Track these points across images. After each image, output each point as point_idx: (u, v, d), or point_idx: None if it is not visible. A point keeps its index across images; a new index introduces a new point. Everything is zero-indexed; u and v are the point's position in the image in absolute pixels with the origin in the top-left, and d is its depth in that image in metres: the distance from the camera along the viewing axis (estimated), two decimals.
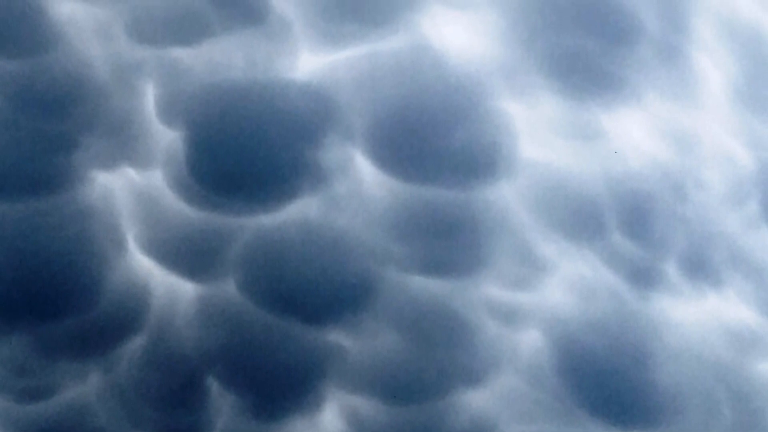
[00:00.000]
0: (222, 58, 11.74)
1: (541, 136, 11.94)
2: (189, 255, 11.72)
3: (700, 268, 12.05)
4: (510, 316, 11.80)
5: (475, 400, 11.72)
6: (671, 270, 11.96)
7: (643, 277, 11.91)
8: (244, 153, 11.60)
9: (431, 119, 11.76)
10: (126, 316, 11.68)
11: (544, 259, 11.85)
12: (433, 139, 11.74)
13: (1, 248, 11.50)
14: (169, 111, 11.74)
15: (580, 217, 11.90)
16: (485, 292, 11.75)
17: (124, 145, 11.73)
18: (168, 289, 11.77)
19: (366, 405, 11.71)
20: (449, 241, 11.73)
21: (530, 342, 11.83)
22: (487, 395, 11.73)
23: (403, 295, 11.71)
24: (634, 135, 12.09)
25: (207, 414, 11.66)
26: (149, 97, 11.76)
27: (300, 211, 11.72)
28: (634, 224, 11.94)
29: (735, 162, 12.29)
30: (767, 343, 12.01)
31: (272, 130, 11.65)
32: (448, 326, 11.71)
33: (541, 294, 11.84)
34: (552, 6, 11.97)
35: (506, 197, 11.81)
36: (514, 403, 11.74)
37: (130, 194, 11.77)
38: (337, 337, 11.71)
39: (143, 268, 11.76)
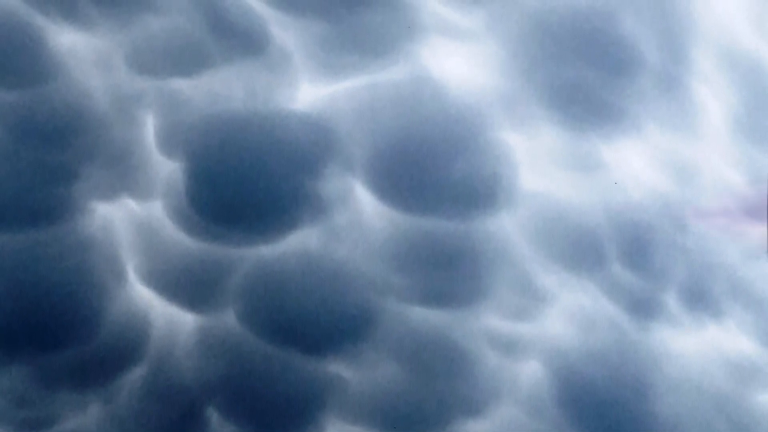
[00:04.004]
0: (222, 88, 11.74)
1: (541, 167, 11.95)
2: (189, 286, 11.72)
3: (700, 299, 12.04)
4: (510, 347, 11.80)
5: (476, 430, 11.72)
6: (671, 301, 11.96)
7: (643, 308, 11.91)
8: (244, 184, 11.59)
9: (431, 150, 11.75)
10: (126, 346, 11.68)
11: (544, 289, 11.85)
12: (433, 169, 11.74)
13: (1, 279, 11.49)
14: (169, 142, 11.73)
15: (580, 248, 11.90)
16: (485, 323, 11.76)
17: (124, 175, 11.73)
18: (168, 319, 11.77)
19: None
20: (449, 272, 11.73)
21: (530, 372, 11.84)
22: (487, 426, 11.73)
23: (403, 325, 11.71)
24: (634, 166, 12.09)
25: None
26: (149, 127, 11.76)
27: (300, 241, 11.72)
28: (634, 255, 11.94)
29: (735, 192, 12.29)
30: (767, 373, 12.00)
31: (272, 161, 11.64)
32: (448, 357, 11.71)
33: (541, 325, 11.84)
34: (552, 37, 11.95)
35: (506, 228, 11.81)
36: None
37: (130, 225, 11.77)
38: (337, 367, 11.71)
39: (143, 299, 11.75)
